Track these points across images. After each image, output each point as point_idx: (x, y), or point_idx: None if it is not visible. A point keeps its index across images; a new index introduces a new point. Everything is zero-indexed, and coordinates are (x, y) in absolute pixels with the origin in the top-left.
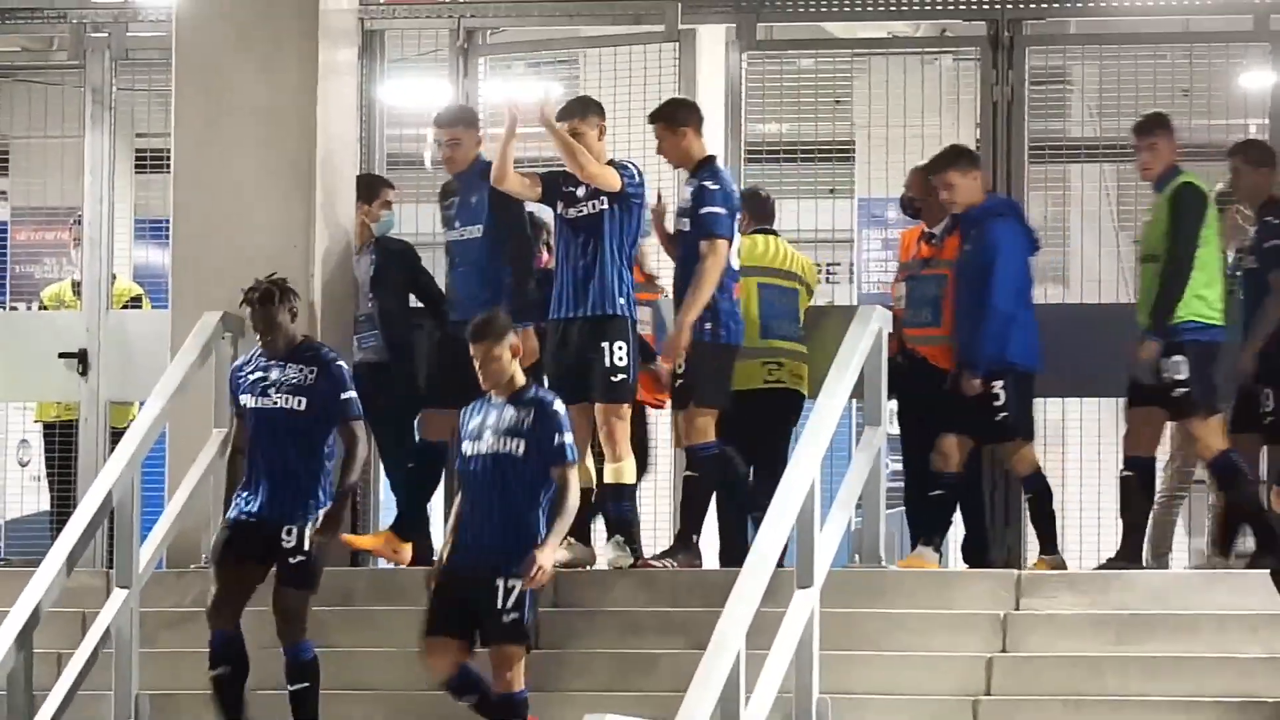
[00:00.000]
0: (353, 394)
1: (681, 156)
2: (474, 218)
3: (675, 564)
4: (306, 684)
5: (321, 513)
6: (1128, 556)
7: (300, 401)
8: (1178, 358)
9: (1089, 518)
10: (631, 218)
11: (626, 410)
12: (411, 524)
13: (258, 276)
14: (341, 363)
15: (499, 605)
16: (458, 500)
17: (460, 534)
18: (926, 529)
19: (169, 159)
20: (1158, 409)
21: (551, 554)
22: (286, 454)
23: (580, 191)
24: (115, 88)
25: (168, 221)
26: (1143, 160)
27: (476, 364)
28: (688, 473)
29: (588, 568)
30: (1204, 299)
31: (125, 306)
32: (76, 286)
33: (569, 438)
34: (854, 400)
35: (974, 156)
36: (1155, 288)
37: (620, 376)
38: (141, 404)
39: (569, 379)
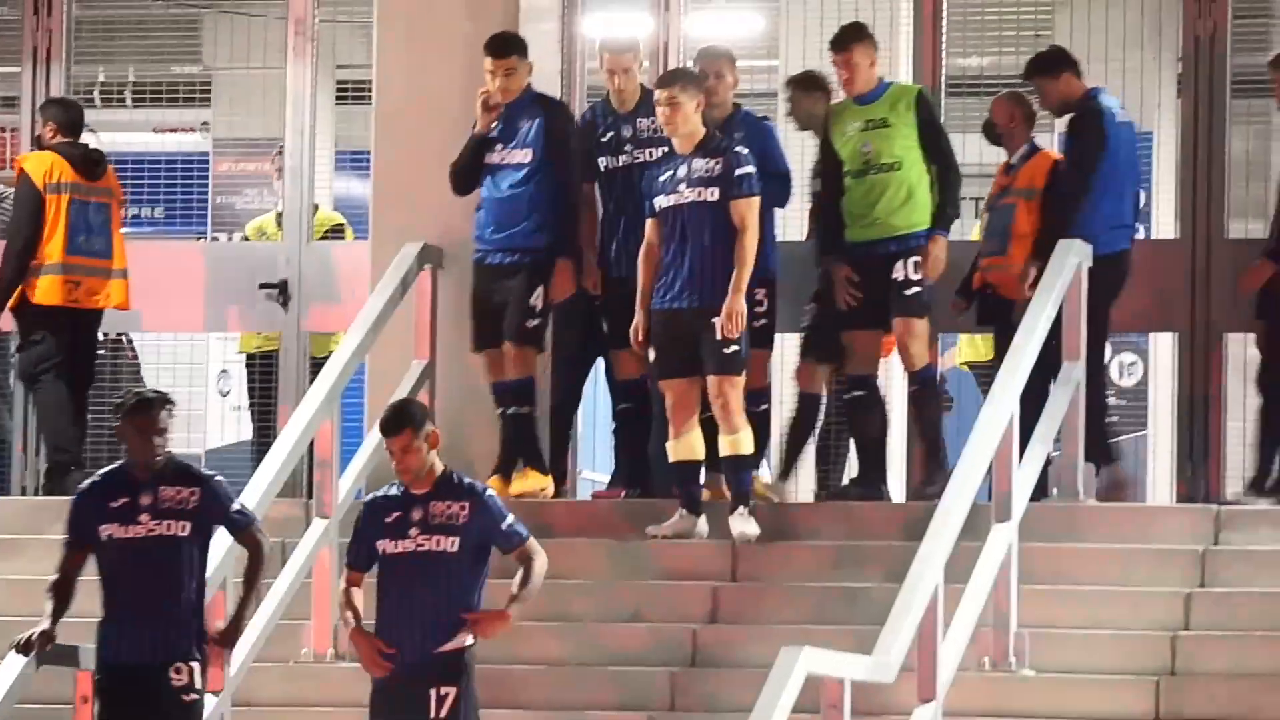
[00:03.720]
0: (239, 504)
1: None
2: (524, 142)
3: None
4: None
5: (222, 624)
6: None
7: (184, 526)
8: None
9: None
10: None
11: (740, 381)
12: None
13: (131, 389)
14: (220, 478)
15: (432, 716)
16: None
17: (383, 634)
18: None
19: (370, 91)
20: None
21: (511, 619)
22: (166, 585)
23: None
24: (317, 19)
25: (369, 153)
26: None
27: (393, 459)
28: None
29: (692, 539)
30: None
31: (326, 236)
32: (280, 219)
33: (512, 516)
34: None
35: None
36: None
37: (733, 348)
38: (342, 335)
39: (677, 352)
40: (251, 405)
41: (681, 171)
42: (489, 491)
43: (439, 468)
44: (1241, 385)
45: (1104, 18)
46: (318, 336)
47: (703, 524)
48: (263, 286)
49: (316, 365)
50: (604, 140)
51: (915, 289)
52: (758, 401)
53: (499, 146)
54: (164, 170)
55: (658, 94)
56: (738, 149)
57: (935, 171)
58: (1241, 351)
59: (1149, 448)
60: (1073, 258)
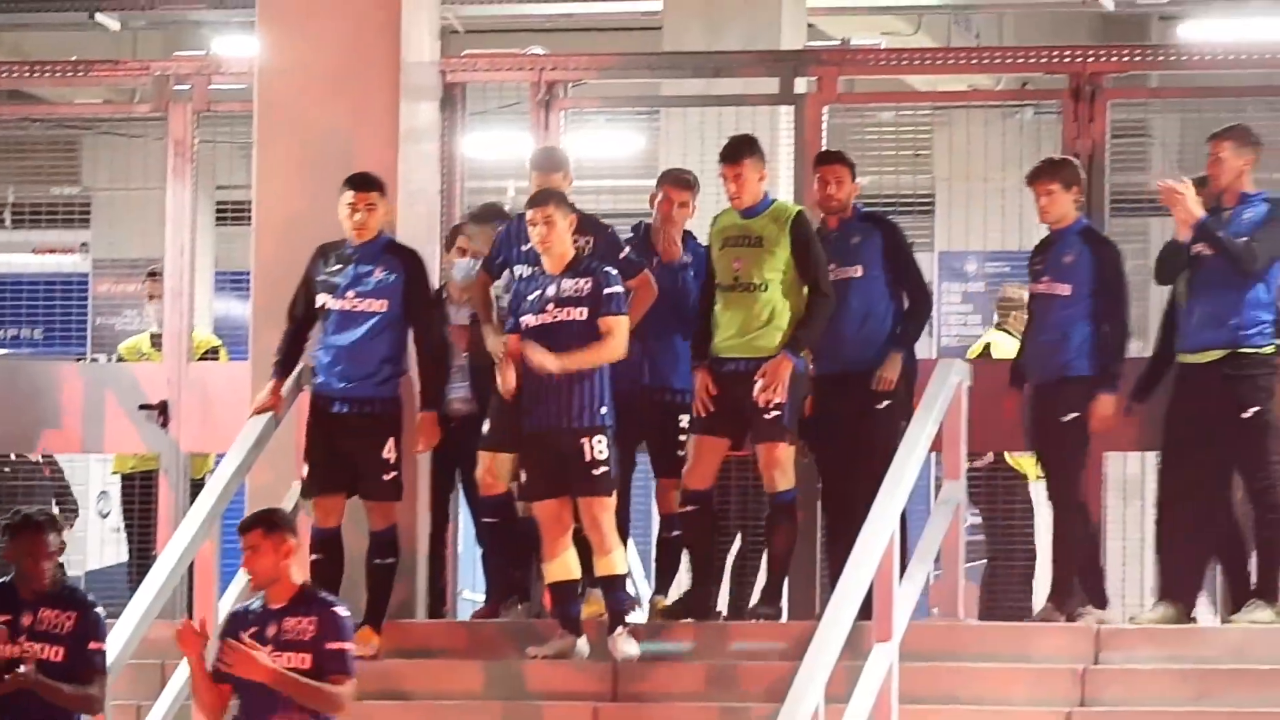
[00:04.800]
0: (104, 646)
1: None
2: (379, 292)
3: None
4: None
5: None
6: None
7: (58, 652)
8: None
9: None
10: None
11: (610, 502)
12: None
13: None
14: (100, 609)
15: None
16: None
17: None
18: None
19: (250, 211)
20: None
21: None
22: (40, 707)
23: None
24: (197, 140)
25: (248, 274)
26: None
27: (244, 562)
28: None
29: (572, 658)
30: None
31: (203, 358)
32: (155, 339)
33: (352, 647)
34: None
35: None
36: None
37: (602, 470)
38: (219, 456)
39: (547, 472)
40: (129, 525)
41: (550, 290)
42: (343, 610)
43: (297, 582)
44: (1121, 504)
45: (983, 137)
46: (196, 457)
47: (583, 644)
48: (143, 407)
49: (195, 486)
50: (525, 250)
51: (776, 413)
52: (671, 527)
53: (349, 294)
54: (43, 291)
55: (531, 213)
56: (607, 269)
57: (806, 293)
58: (1120, 471)
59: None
60: (954, 376)
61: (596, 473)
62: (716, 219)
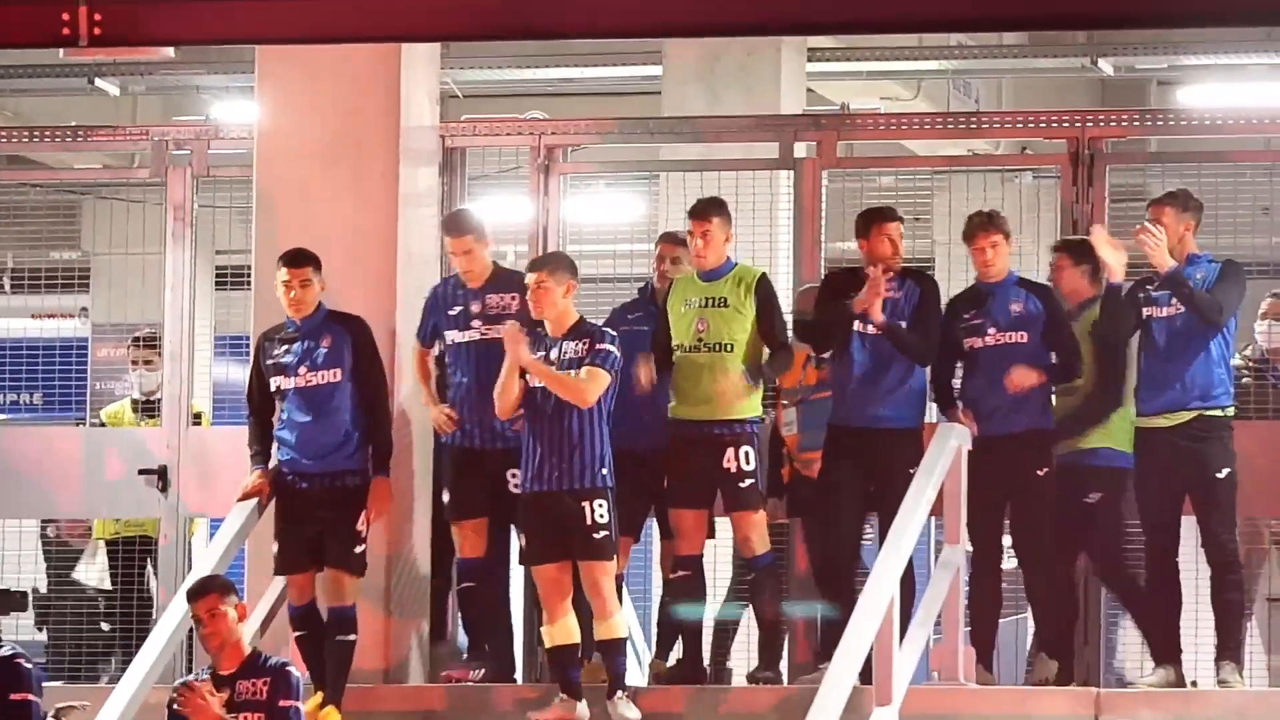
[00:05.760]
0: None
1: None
2: (330, 362)
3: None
4: None
5: None
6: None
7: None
8: None
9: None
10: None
11: (611, 566)
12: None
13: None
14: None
15: None
16: None
17: None
18: None
19: (249, 275)
20: None
21: None
22: None
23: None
24: (196, 205)
25: (247, 338)
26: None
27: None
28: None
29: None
30: None
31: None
32: (136, 405)
33: (300, 705)
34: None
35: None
36: None
37: (603, 534)
38: (214, 520)
39: (547, 536)
40: (114, 591)
41: (553, 354)
42: (294, 671)
43: (246, 647)
44: None
45: (982, 202)
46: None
47: (583, 708)
48: (142, 472)
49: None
50: (452, 314)
51: (750, 480)
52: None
53: (301, 370)
54: (43, 356)
55: (528, 277)
56: (605, 329)
57: (768, 354)
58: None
59: (1030, 630)
60: (953, 440)
61: (597, 536)
62: (675, 282)
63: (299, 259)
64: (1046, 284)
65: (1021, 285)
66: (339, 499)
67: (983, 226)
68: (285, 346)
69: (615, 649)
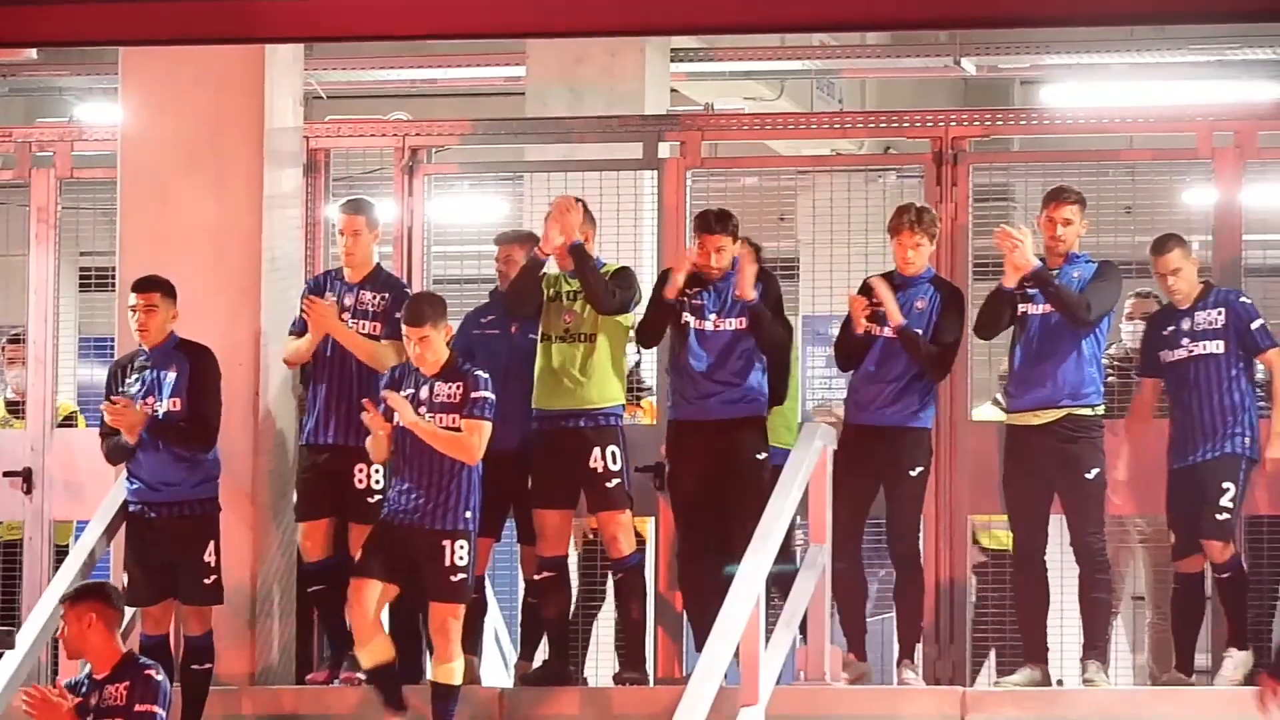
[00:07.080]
0: None
1: None
2: (173, 391)
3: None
4: None
5: None
6: None
7: None
8: None
9: None
10: None
11: (462, 610)
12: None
13: None
14: None
15: None
16: None
17: None
18: None
19: (113, 277)
20: None
21: None
22: None
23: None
24: (60, 207)
25: (112, 340)
26: None
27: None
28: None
29: None
30: None
31: (63, 423)
32: (11, 406)
33: (160, 711)
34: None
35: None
36: None
37: (460, 576)
38: (80, 524)
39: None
40: None
41: (424, 394)
42: (158, 674)
43: (120, 652)
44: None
45: (846, 201)
46: (61, 524)
47: None
48: (6, 474)
49: (60, 552)
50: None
51: (616, 480)
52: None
53: (148, 400)
54: None
55: (409, 331)
56: (478, 373)
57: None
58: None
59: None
60: (818, 440)
61: (455, 579)
62: (545, 276)
63: (145, 284)
64: (958, 287)
65: (934, 284)
66: (186, 529)
67: (909, 227)
68: (136, 375)
69: (448, 696)
